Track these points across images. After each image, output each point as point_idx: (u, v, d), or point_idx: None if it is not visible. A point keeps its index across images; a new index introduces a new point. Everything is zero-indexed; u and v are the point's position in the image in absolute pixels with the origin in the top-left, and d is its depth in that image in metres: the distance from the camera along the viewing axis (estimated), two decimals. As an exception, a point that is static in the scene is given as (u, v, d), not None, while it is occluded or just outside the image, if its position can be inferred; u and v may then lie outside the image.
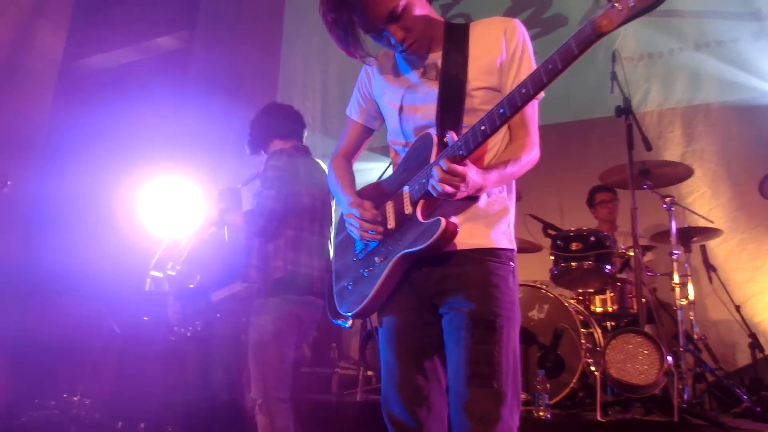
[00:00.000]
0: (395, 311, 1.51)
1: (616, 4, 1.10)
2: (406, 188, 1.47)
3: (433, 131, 1.46)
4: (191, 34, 7.11)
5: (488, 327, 1.37)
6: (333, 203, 2.75)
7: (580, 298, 3.76)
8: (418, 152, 1.48)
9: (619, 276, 3.67)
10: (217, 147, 6.25)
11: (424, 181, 1.39)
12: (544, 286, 3.40)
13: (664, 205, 3.37)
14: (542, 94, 1.44)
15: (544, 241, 3.85)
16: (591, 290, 3.75)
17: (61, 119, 6.66)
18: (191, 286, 3.50)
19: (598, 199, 4.33)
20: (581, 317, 3.34)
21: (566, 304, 3.28)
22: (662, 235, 3.66)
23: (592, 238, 3.56)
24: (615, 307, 3.70)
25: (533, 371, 3.02)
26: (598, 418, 2.77)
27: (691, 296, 3.41)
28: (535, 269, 3.94)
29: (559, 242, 3.67)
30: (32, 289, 5.35)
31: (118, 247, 5.38)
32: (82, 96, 6.88)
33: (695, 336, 3.41)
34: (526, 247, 3.83)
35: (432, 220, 1.37)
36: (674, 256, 3.29)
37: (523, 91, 1.24)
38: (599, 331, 3.36)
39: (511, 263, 1.48)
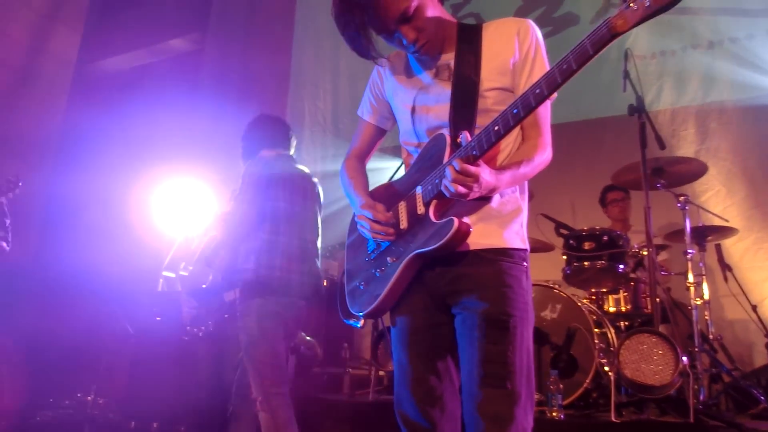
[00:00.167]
0: (408, 311, 1.51)
1: (631, 4, 1.09)
2: (418, 189, 1.47)
3: (446, 132, 1.45)
4: (203, 36, 7.16)
5: (501, 327, 1.37)
6: (317, 209, 2.89)
7: (593, 297, 3.74)
8: (431, 153, 1.47)
9: (632, 275, 3.64)
10: (228, 148, 6.27)
11: (437, 181, 1.39)
12: (556, 286, 3.38)
13: (678, 204, 3.34)
14: (555, 95, 1.44)
15: (557, 241, 3.83)
16: (604, 290, 3.73)
17: (75, 121, 6.72)
18: (204, 286, 3.52)
19: (610, 198, 4.32)
20: (594, 317, 3.32)
21: (579, 304, 3.26)
22: (676, 234, 3.63)
23: (605, 238, 3.53)
24: (628, 307, 3.67)
25: (546, 371, 3.01)
26: (613, 418, 2.75)
27: (706, 296, 3.37)
28: (547, 269, 3.92)
29: (571, 242, 3.65)
30: (47, 290, 5.41)
31: (131, 247, 5.42)
32: (96, 98, 6.95)
33: (711, 336, 3.38)
34: (538, 247, 3.81)
35: (445, 220, 1.37)
36: (689, 256, 3.26)
37: (537, 91, 1.24)
38: (612, 331, 3.34)
39: (525, 263, 1.47)
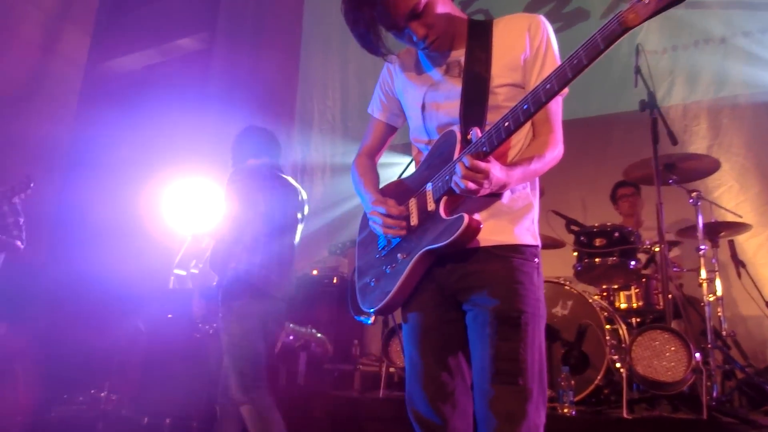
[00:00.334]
0: (419, 308, 1.51)
1: (643, -2, 1.08)
2: (429, 185, 1.47)
3: (456, 128, 1.45)
4: (212, 36, 7.19)
5: (513, 324, 1.36)
6: (298, 216, 3.03)
7: (605, 294, 3.72)
8: (442, 149, 1.47)
9: (644, 272, 3.62)
10: (238, 146, 6.30)
11: (447, 177, 1.39)
12: (567, 283, 3.36)
13: (690, 200, 3.31)
14: (566, 91, 1.43)
15: (567, 237, 3.81)
16: (615, 286, 3.71)
17: (85, 121, 6.77)
18: (214, 283, 3.54)
19: (620, 193, 4.30)
20: (606, 313, 3.30)
21: (590, 301, 3.24)
22: (688, 231, 3.60)
23: (616, 234, 3.52)
24: (640, 304, 3.65)
25: (557, 368, 3.00)
26: (625, 415, 2.74)
27: (719, 292, 3.35)
28: (558, 265, 3.90)
29: (582, 238, 3.63)
30: (60, 289, 5.47)
31: (141, 246, 5.46)
32: (106, 98, 6.99)
33: (724, 332, 3.35)
34: (549, 243, 3.80)
35: (455, 216, 1.37)
36: (701, 252, 3.23)
37: (548, 86, 1.23)
38: (624, 327, 3.32)
39: (536, 259, 1.47)
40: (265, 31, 6.84)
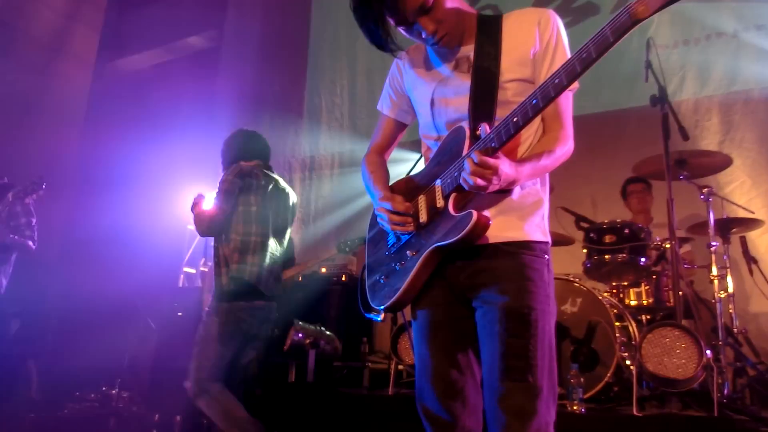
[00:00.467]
0: (429, 305, 1.51)
1: (653, -10, 1.07)
2: (438, 182, 1.46)
3: (465, 124, 1.44)
4: (220, 34, 7.20)
5: (523, 320, 1.36)
6: (289, 217, 3.14)
7: (614, 291, 3.70)
8: (451, 146, 1.46)
9: (654, 269, 3.59)
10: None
11: (456, 174, 1.38)
12: (577, 280, 3.35)
13: (702, 196, 3.28)
14: (577, 86, 1.42)
15: (577, 234, 3.79)
16: (625, 283, 3.69)
17: (95, 121, 6.81)
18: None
19: (630, 189, 4.28)
20: (615, 310, 3.28)
21: (600, 298, 3.22)
22: (699, 227, 3.57)
23: (626, 231, 3.49)
24: (650, 301, 3.63)
25: (566, 365, 2.99)
26: (635, 412, 2.72)
27: (731, 289, 3.33)
28: (567, 262, 3.88)
29: (592, 235, 3.61)
30: (71, 288, 5.51)
31: (152, 244, 5.49)
32: (116, 97, 7.03)
33: (735, 329, 3.33)
34: (558, 240, 3.77)
35: (464, 213, 1.36)
36: (712, 248, 3.20)
37: (557, 81, 1.22)
38: (634, 324, 3.30)
39: (546, 256, 1.46)
40: (273, 29, 6.85)
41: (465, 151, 1.39)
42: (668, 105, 3.34)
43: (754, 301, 3.95)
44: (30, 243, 3.57)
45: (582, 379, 2.88)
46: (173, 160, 5.72)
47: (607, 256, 3.50)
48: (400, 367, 3.60)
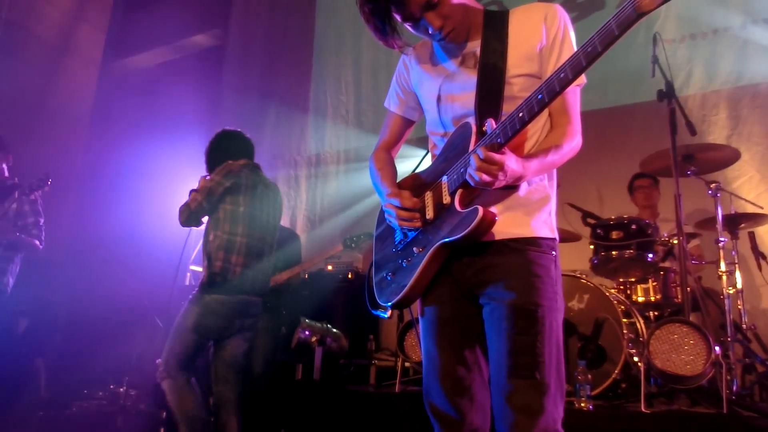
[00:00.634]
0: (436, 302, 1.50)
1: (659, -18, 1.06)
2: (444, 178, 1.46)
3: (471, 120, 1.43)
4: (225, 32, 7.21)
5: (530, 317, 1.35)
6: (276, 215, 3.16)
7: (622, 287, 3.68)
8: (457, 142, 1.46)
9: (661, 265, 3.57)
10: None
11: (462, 170, 1.38)
12: (584, 276, 3.33)
13: (709, 191, 3.26)
14: (584, 80, 1.41)
15: (584, 230, 3.77)
16: (632, 279, 3.66)
17: (101, 120, 6.83)
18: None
19: (636, 184, 4.26)
20: (623, 307, 3.26)
21: (607, 294, 3.21)
22: (707, 222, 3.55)
23: (634, 227, 3.47)
24: (658, 297, 3.60)
25: (574, 362, 2.98)
26: (643, 409, 2.71)
27: (739, 285, 3.30)
28: (574, 259, 3.87)
29: (599, 231, 3.59)
30: (79, 286, 5.53)
31: (158, 242, 5.51)
32: (122, 96, 7.05)
33: (744, 326, 3.30)
34: (565, 237, 3.76)
35: (470, 209, 1.35)
36: (721, 244, 3.18)
37: (562, 75, 1.21)
38: (642, 321, 3.29)
39: (553, 252, 1.45)
40: (278, 26, 6.85)
41: (471, 147, 1.38)
42: (675, 100, 3.32)
43: (764, 297, 3.93)
44: (37, 242, 3.59)
45: (589, 376, 2.87)
46: (179, 158, 5.73)
47: (614, 252, 3.48)
48: (407, 364, 3.60)
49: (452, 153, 1.46)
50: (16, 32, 6.16)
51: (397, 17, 1.44)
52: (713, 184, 3.26)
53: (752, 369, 3.32)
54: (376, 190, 1.69)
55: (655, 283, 3.63)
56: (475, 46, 1.50)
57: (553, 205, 1.51)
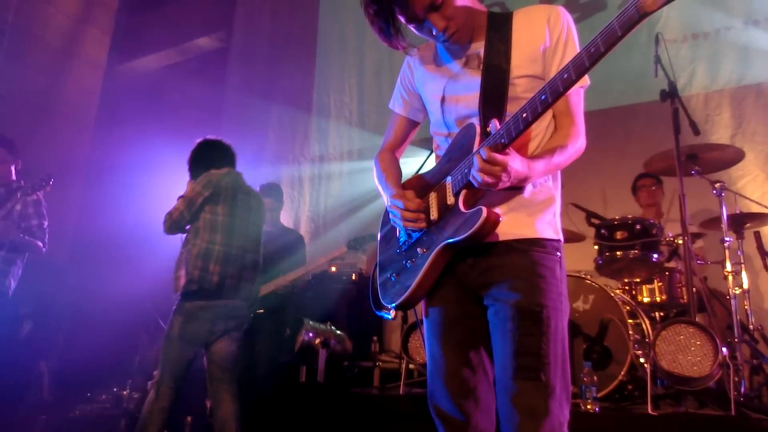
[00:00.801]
0: (440, 303, 1.50)
1: (661, -17, 1.05)
2: (448, 179, 1.45)
3: (475, 121, 1.43)
4: (229, 34, 7.23)
5: (535, 318, 1.34)
6: (259, 222, 3.20)
7: (627, 288, 3.67)
8: (461, 143, 1.45)
9: (667, 265, 3.55)
10: (256, 143, 6.33)
11: (466, 171, 1.37)
12: (588, 277, 3.32)
13: (714, 191, 3.24)
14: (588, 82, 1.41)
15: (588, 231, 3.76)
16: (637, 280, 3.65)
17: (106, 122, 6.85)
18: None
19: (639, 184, 4.25)
20: (628, 308, 3.25)
21: (612, 295, 3.19)
22: (712, 222, 3.53)
23: (638, 227, 3.46)
24: (663, 297, 3.59)
25: (579, 364, 2.96)
26: (650, 411, 2.69)
27: (746, 285, 3.28)
28: (578, 259, 3.86)
29: (603, 231, 3.58)
30: (82, 289, 5.54)
31: (161, 245, 5.51)
32: (127, 98, 7.07)
33: (751, 326, 3.28)
34: (569, 237, 3.73)
35: (474, 209, 1.35)
36: (726, 244, 3.16)
37: (565, 76, 1.21)
38: (647, 321, 3.27)
39: (558, 253, 1.44)
40: (282, 28, 6.87)
41: (475, 148, 1.38)
42: (678, 100, 3.31)
43: (770, 298, 3.90)
44: (40, 244, 3.59)
45: (595, 378, 2.85)
46: (184, 160, 5.73)
47: (618, 253, 3.47)
48: (411, 366, 3.59)
49: (456, 154, 1.46)
50: (22, 36, 6.18)
51: (401, 18, 1.44)
52: (717, 184, 3.24)
53: (760, 370, 3.30)
54: (381, 190, 1.68)
55: (660, 284, 3.61)
56: (478, 47, 1.50)
57: (557, 206, 1.50)
